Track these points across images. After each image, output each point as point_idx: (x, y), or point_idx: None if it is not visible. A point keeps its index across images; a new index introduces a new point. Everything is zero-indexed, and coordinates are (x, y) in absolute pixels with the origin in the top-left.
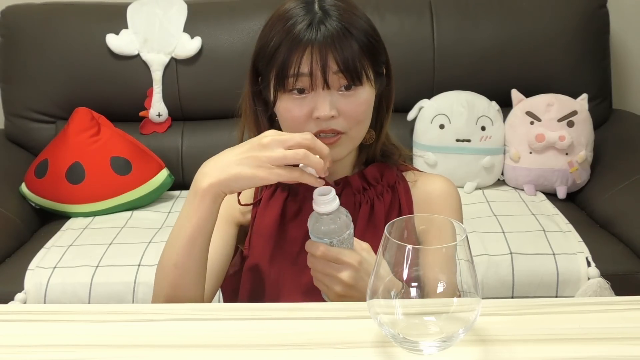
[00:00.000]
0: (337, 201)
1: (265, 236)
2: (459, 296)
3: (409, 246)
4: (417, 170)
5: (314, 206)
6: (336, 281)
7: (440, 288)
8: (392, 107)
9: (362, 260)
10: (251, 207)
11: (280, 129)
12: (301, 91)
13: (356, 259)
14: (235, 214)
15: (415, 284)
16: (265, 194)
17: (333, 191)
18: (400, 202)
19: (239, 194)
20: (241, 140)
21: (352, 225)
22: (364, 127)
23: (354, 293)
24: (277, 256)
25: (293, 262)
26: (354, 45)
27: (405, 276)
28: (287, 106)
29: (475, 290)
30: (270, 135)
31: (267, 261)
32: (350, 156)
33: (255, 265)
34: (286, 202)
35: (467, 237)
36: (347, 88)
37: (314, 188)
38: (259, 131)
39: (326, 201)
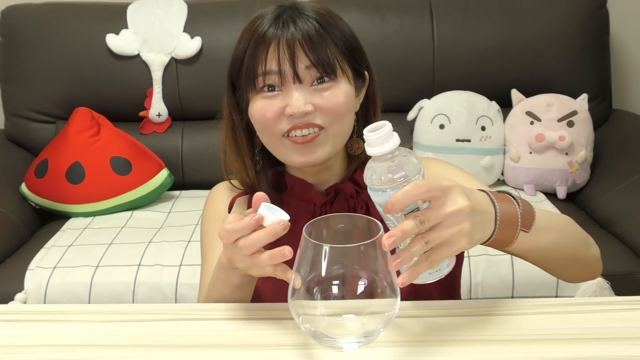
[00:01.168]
0: (396, 137)
1: None
2: (379, 293)
3: (326, 246)
4: None
5: (367, 149)
6: (460, 236)
7: (361, 286)
8: (380, 113)
9: (464, 196)
10: None
11: (261, 144)
12: (271, 88)
13: (463, 203)
14: None
15: (337, 282)
16: None
17: (388, 125)
18: None
19: (230, 207)
20: (225, 164)
21: (422, 168)
22: (345, 123)
23: (478, 236)
24: None
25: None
26: (327, 39)
27: (324, 274)
28: (257, 106)
29: (391, 288)
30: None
31: (262, 279)
32: (341, 165)
33: None
34: None
35: (382, 234)
36: (321, 81)
37: (305, 194)
38: (237, 146)
39: (380, 137)
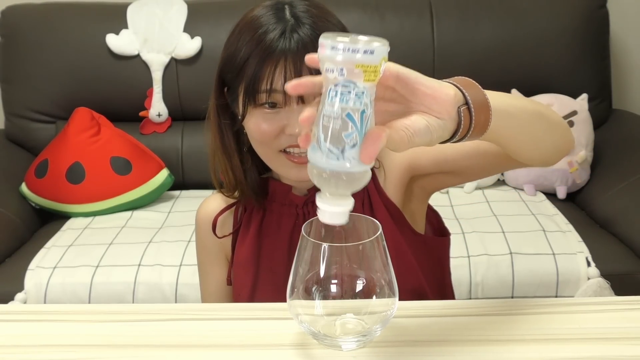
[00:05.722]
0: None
1: (243, 264)
2: (377, 293)
3: (324, 245)
4: None
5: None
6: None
7: (359, 286)
8: None
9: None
10: (230, 237)
11: (248, 143)
12: (273, 105)
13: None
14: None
15: (335, 281)
16: (244, 219)
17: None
18: (367, 188)
19: (214, 227)
20: (213, 166)
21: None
22: None
23: None
24: (260, 280)
25: (278, 284)
26: None
27: (322, 273)
28: (257, 121)
29: (389, 287)
30: None
31: (250, 289)
32: None
33: (238, 295)
34: (262, 222)
35: (381, 234)
36: None
37: (286, 197)
38: (225, 150)
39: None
